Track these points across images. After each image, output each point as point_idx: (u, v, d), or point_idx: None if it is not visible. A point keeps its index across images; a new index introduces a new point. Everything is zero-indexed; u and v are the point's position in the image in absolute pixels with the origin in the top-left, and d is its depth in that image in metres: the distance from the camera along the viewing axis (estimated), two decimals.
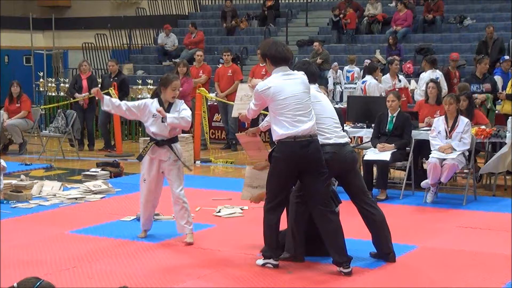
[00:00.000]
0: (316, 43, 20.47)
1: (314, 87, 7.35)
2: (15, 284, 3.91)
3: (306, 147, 6.85)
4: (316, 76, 7.62)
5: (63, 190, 11.20)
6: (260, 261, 7.21)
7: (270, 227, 7.10)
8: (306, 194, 7.06)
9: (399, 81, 16.05)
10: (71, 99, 16.77)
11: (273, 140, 7.14)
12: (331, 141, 7.14)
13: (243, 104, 7.86)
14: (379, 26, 22.31)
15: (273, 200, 7.07)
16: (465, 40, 20.93)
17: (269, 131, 14.72)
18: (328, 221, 6.97)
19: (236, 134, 8.94)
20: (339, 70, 19.47)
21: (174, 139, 8.17)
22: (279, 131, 6.90)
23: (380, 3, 22.76)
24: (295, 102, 6.87)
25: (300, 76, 7.08)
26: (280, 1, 24.73)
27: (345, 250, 6.95)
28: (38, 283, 3.89)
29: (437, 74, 15.15)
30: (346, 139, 7.38)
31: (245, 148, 8.34)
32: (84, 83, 16.63)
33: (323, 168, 6.94)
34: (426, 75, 14.95)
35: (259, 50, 7.35)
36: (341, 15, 22.13)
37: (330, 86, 18.75)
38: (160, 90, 8.19)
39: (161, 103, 8.09)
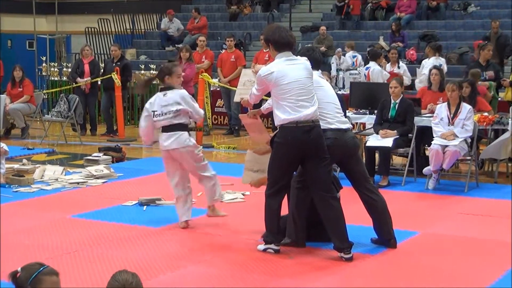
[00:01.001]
0: (322, 28, 20.42)
1: (317, 73, 7.35)
2: (18, 269, 3.93)
3: (308, 133, 6.85)
4: (320, 63, 7.61)
5: (65, 175, 11.21)
6: (262, 246, 7.22)
7: (271, 213, 7.11)
8: (308, 180, 7.06)
9: (398, 68, 16.05)
10: (73, 83, 16.76)
11: (275, 125, 7.13)
12: (332, 126, 7.14)
13: (246, 89, 7.88)
14: (382, 12, 22.24)
15: (274, 186, 7.07)
16: (469, 27, 20.86)
17: (271, 116, 14.68)
18: (329, 207, 6.97)
19: (239, 115, 8.96)
20: (342, 56, 19.42)
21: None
22: (282, 116, 6.89)
23: None
24: (298, 87, 6.87)
25: (303, 62, 7.07)
26: None
27: (347, 236, 6.95)
28: (41, 269, 3.91)
29: (441, 61, 15.11)
30: (348, 125, 7.38)
31: (248, 130, 8.36)
32: (86, 67, 16.61)
33: (325, 154, 6.94)
34: (430, 62, 14.90)
35: (263, 35, 7.34)
36: (346, 1, 22.04)
37: (333, 72, 18.69)
38: (164, 80, 8.21)
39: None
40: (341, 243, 6.93)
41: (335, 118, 7.22)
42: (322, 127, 7.01)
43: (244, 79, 7.53)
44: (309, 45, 7.54)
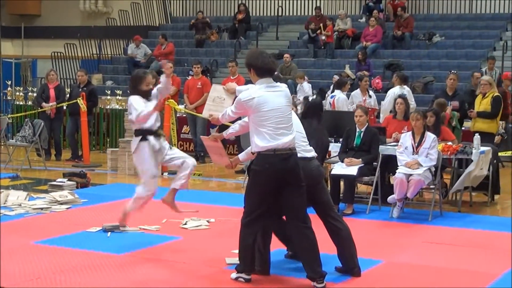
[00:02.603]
0: (286, 55, 20.52)
1: (260, 83, 7.22)
2: None
3: (286, 160, 6.85)
4: (268, 68, 7.38)
5: (28, 200, 11.10)
6: (234, 275, 7.17)
7: (245, 244, 7.04)
8: (283, 208, 7.05)
9: (369, 96, 16.18)
10: (39, 108, 16.66)
11: (252, 151, 7.11)
12: (297, 155, 7.16)
13: (215, 106, 7.80)
14: (349, 41, 22.43)
15: (251, 214, 7.02)
16: (434, 57, 21.12)
17: (237, 142, 14.66)
18: (304, 236, 6.95)
19: (201, 136, 9.00)
20: (305, 83, 19.49)
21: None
22: (260, 143, 6.87)
23: (350, 18, 22.90)
24: (277, 115, 6.86)
25: (284, 89, 7.07)
26: (251, 15, 24.79)
27: (320, 265, 6.93)
28: None
29: (405, 90, 15.24)
30: (313, 153, 7.40)
31: (208, 151, 8.34)
32: (52, 92, 16.53)
33: (301, 182, 6.94)
34: (394, 91, 15.03)
35: (245, 60, 7.29)
36: (318, 29, 22.14)
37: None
38: (135, 90, 8.60)
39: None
40: (314, 273, 6.90)
41: (300, 147, 7.23)
42: None
43: (214, 95, 7.46)
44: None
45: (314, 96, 7.96)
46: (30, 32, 27.71)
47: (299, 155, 7.11)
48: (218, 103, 7.77)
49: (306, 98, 8.02)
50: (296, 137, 7.17)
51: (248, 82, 15.84)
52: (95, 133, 18.35)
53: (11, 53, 27.46)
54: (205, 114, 7.84)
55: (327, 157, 12.60)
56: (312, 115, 8.70)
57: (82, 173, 13.14)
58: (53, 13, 29.30)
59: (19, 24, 27.71)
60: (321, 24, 22.26)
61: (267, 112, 6.85)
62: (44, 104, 16.43)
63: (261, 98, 6.88)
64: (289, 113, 6.97)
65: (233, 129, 7.58)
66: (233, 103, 7.36)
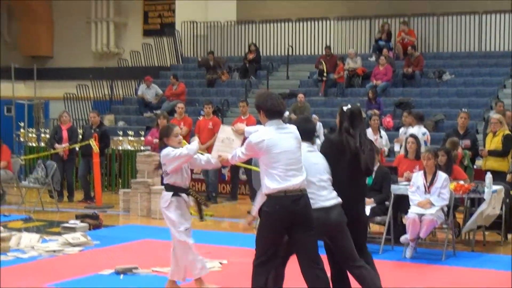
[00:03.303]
0: (300, 95, 20.58)
1: (306, 145, 7.28)
2: None
3: (297, 202, 6.84)
4: (313, 135, 7.58)
5: (41, 242, 11.13)
6: None
7: (257, 287, 7.02)
8: (295, 249, 7.04)
9: (381, 136, 16.18)
10: (51, 150, 16.76)
11: (263, 193, 7.10)
12: (316, 206, 7.06)
13: (224, 147, 7.80)
14: (359, 80, 22.50)
15: (262, 255, 7.01)
16: (444, 95, 21.14)
17: (249, 183, 14.63)
18: (316, 278, 6.92)
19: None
20: (318, 123, 19.55)
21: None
22: (270, 185, 6.88)
23: (360, 57, 23.00)
24: (287, 157, 6.88)
25: (293, 131, 7.10)
26: (261, 54, 24.94)
27: None
28: None
29: (424, 129, 15.23)
30: (333, 201, 7.18)
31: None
32: (64, 134, 16.63)
33: (312, 223, 6.93)
34: (412, 131, 14.98)
35: (254, 102, 7.33)
36: (325, 69, 22.24)
37: None
38: (164, 143, 8.28)
39: None
40: None
41: (320, 197, 7.12)
42: None
43: (223, 136, 7.48)
44: (304, 115, 7.51)
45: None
46: (42, 74, 27.91)
47: (316, 205, 7.05)
48: (227, 144, 7.78)
49: (341, 108, 7.82)
50: (313, 188, 7.13)
51: (259, 122, 15.86)
52: (107, 174, 18.40)
53: (24, 95, 27.63)
54: (214, 155, 7.86)
55: None
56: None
57: (94, 214, 13.17)
58: (65, 55, 29.57)
59: (31, 65, 27.90)
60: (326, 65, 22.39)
61: (277, 154, 6.87)
62: (57, 145, 16.52)
63: (271, 140, 6.91)
64: (299, 154, 6.99)
65: (239, 157, 7.31)
66: (242, 144, 7.38)
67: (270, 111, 7.05)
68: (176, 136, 8.24)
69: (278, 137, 6.93)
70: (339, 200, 7.20)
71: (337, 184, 7.24)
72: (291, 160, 6.89)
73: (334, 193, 7.21)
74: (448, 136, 14.16)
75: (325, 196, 7.18)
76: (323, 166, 7.28)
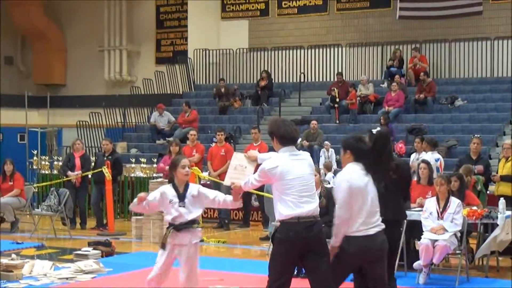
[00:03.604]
0: (313, 122, 20.61)
1: (359, 168, 7.09)
2: None
3: (310, 228, 6.84)
4: (366, 155, 7.29)
5: (54, 270, 11.14)
6: None
7: None
8: (308, 276, 7.01)
9: None
10: (64, 177, 16.81)
11: (276, 219, 7.09)
12: (362, 234, 6.95)
13: (237, 174, 7.78)
14: (371, 106, 22.51)
15: (275, 282, 6.97)
16: (457, 121, 21.11)
17: (262, 210, 14.62)
18: None
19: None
20: (331, 149, 19.58)
21: (193, 221, 7.92)
22: (284, 211, 6.87)
23: (372, 83, 23.02)
24: (301, 183, 6.88)
25: (307, 157, 7.11)
26: (273, 81, 25.00)
27: None
28: None
29: (437, 155, 15.20)
30: (376, 229, 7.02)
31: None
32: (77, 161, 16.70)
33: (326, 250, 6.92)
34: (426, 156, 14.94)
35: (268, 128, 7.34)
36: (337, 95, 22.25)
37: (322, 165, 18.78)
38: (172, 175, 8.05)
39: (175, 188, 7.93)
40: None
41: (366, 225, 6.98)
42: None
43: (235, 163, 7.47)
44: (357, 134, 7.46)
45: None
46: (55, 102, 28.07)
47: (361, 233, 6.96)
48: (239, 171, 7.76)
49: (370, 131, 7.82)
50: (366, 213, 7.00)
51: (271, 148, 15.84)
52: (119, 201, 18.43)
53: (37, 123, 27.76)
54: (227, 182, 7.83)
55: None
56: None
57: (107, 241, 13.17)
58: (78, 83, 29.72)
59: (44, 93, 28.09)
60: (338, 91, 22.41)
61: (291, 180, 6.87)
62: (69, 173, 16.59)
63: (285, 167, 6.91)
64: (312, 181, 6.98)
65: (252, 183, 7.30)
66: (254, 171, 7.38)
67: (284, 137, 7.07)
68: (184, 168, 8.05)
69: (291, 163, 6.94)
70: (383, 226, 7.11)
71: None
72: (304, 186, 6.89)
73: (380, 219, 7.11)
74: (461, 162, 14.13)
75: (374, 223, 7.04)
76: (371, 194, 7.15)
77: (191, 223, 7.85)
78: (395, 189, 7.75)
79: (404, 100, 21.77)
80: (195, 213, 7.89)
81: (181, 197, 7.83)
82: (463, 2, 22.82)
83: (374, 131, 7.73)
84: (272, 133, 7.14)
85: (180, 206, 7.81)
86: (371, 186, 7.02)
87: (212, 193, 7.95)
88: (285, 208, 6.87)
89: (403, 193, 8.08)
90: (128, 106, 25.82)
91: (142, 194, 7.91)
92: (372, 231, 6.95)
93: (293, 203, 6.84)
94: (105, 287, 10.15)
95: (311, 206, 6.87)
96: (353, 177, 6.95)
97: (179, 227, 7.79)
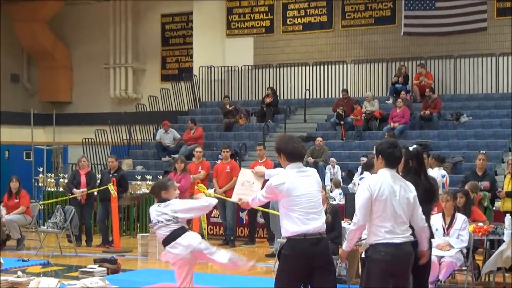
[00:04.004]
0: (319, 139, 20.62)
1: (390, 174, 7.04)
2: None
3: (316, 245, 6.82)
4: (399, 161, 7.27)
5: (60, 287, 11.11)
6: None
7: None
8: None
9: None
10: (69, 194, 16.83)
11: (282, 236, 7.08)
12: (389, 241, 6.86)
13: (245, 190, 7.79)
14: (376, 122, 22.52)
15: None
16: (462, 137, 21.10)
17: (267, 227, 14.61)
18: None
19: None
20: (336, 166, 19.58)
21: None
22: (290, 228, 6.86)
23: (377, 100, 23.04)
24: (308, 200, 6.87)
25: (314, 174, 7.11)
26: (278, 98, 25.03)
27: None
28: None
29: (443, 172, 15.16)
30: (403, 239, 6.91)
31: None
32: (83, 178, 16.72)
33: (332, 266, 6.91)
34: (433, 173, 14.89)
35: (275, 145, 7.35)
36: (343, 112, 22.26)
37: (327, 181, 18.79)
38: (161, 196, 8.26)
39: None
40: None
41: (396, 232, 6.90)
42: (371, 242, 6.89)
43: (243, 179, 7.49)
44: (390, 139, 7.44)
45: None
46: (61, 119, 28.15)
47: (386, 241, 6.84)
48: (247, 187, 7.77)
49: (406, 148, 7.84)
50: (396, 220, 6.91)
51: (277, 165, 15.84)
52: (125, 218, 18.42)
53: (43, 140, 27.84)
54: (234, 198, 7.84)
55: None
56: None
57: (112, 259, 13.16)
58: (84, 100, 29.84)
59: (50, 111, 28.17)
60: (344, 107, 22.44)
61: (297, 197, 6.86)
62: (75, 190, 16.61)
63: (292, 183, 6.90)
64: (319, 198, 6.97)
65: (259, 200, 7.32)
66: (262, 187, 7.38)
67: (292, 154, 7.07)
68: (175, 189, 8.21)
69: (298, 180, 6.93)
70: (412, 238, 7.02)
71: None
72: (311, 203, 6.88)
73: (410, 231, 7.03)
74: (466, 178, 14.12)
75: (401, 233, 6.94)
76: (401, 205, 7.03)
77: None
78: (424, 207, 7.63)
79: (409, 116, 21.77)
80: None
81: None
82: (468, 18, 22.87)
83: (410, 148, 7.75)
84: (280, 149, 7.15)
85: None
86: (400, 195, 6.89)
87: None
88: (291, 225, 6.85)
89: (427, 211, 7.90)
90: (133, 123, 25.88)
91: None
92: (398, 240, 6.83)
93: (299, 220, 6.83)
94: None
95: (317, 223, 6.86)
96: (376, 184, 6.86)
97: None
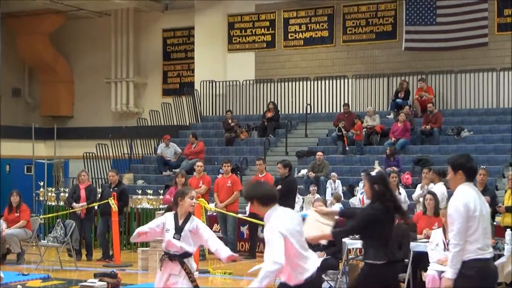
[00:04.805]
0: (319, 153, 20.62)
1: (471, 188, 6.92)
2: None
3: None
4: (476, 173, 7.20)
5: None
6: None
7: None
8: None
9: (399, 193, 16.12)
10: (69, 208, 16.84)
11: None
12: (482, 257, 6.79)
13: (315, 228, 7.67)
14: (377, 137, 22.53)
15: None
16: (463, 152, 20.98)
17: None
18: None
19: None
20: (337, 180, 19.58)
21: (187, 254, 8.00)
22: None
23: (378, 115, 23.05)
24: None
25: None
26: (280, 113, 25.06)
27: None
28: None
29: (444, 188, 15.12)
30: (490, 254, 6.90)
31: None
32: (82, 193, 16.73)
33: None
34: (440, 189, 14.88)
35: (244, 193, 7.10)
36: (343, 127, 22.28)
37: (328, 196, 18.79)
38: (177, 202, 8.09)
39: (175, 217, 8.05)
40: None
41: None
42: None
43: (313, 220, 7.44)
44: (462, 153, 7.31)
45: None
46: (62, 133, 28.19)
47: (479, 256, 6.72)
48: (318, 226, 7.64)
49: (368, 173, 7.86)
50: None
51: (277, 180, 15.90)
52: (126, 232, 18.41)
53: (44, 154, 27.86)
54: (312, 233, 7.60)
55: (358, 254, 12.54)
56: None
57: (113, 273, 13.14)
58: (85, 115, 29.88)
59: (51, 125, 28.21)
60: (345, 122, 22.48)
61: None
62: (74, 204, 16.61)
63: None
64: None
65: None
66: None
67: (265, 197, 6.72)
68: (192, 198, 8.09)
69: None
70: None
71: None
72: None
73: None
74: None
75: (488, 247, 6.93)
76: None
77: (184, 256, 7.93)
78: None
79: (410, 131, 21.78)
80: (188, 247, 7.97)
81: (179, 229, 7.89)
82: (469, 33, 22.93)
83: (373, 173, 7.73)
84: (253, 196, 6.78)
85: (174, 238, 7.85)
86: (484, 208, 6.84)
87: (207, 234, 7.98)
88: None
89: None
90: (134, 137, 25.90)
91: (141, 229, 8.02)
92: (489, 256, 6.79)
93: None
94: None
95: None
96: (470, 200, 6.73)
97: (172, 256, 7.91)
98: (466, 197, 6.74)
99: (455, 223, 6.72)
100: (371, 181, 7.58)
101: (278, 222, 6.50)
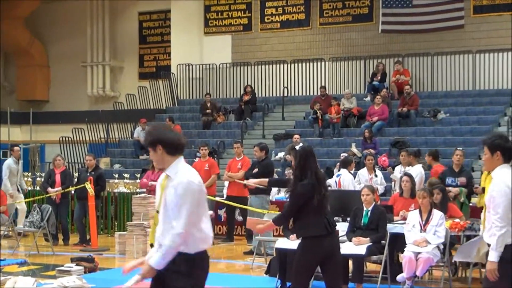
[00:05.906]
0: (296, 136, 20.60)
1: (509, 170, 6.66)
2: None
3: None
4: None
5: (36, 286, 11.04)
6: None
7: None
8: None
9: (376, 175, 16.19)
10: (45, 193, 16.75)
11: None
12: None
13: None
14: (354, 120, 22.57)
15: None
16: (439, 134, 21.20)
17: (245, 224, 14.56)
18: None
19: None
20: None
21: None
22: None
23: (355, 97, 23.09)
24: None
25: None
26: (257, 96, 25.04)
27: None
28: None
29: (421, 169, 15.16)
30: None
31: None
32: (57, 177, 16.62)
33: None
34: (413, 170, 14.90)
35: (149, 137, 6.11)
36: (320, 110, 22.29)
37: None
38: None
39: None
40: None
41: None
42: None
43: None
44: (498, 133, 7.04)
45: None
46: (38, 118, 28.03)
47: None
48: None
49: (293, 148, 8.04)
50: None
51: (254, 163, 15.91)
52: (103, 216, 18.34)
53: (20, 139, 27.70)
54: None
55: None
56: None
57: (90, 257, 13.10)
58: (61, 99, 29.71)
59: (27, 109, 28.04)
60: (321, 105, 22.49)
61: None
62: (49, 189, 16.50)
63: None
64: None
65: None
66: None
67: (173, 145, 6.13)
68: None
69: None
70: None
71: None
72: None
73: None
74: (443, 174, 14.14)
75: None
76: None
77: None
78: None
79: (387, 114, 21.83)
80: None
81: None
82: (445, 16, 22.99)
83: (297, 147, 7.83)
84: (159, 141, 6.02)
85: None
86: None
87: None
88: None
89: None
90: (111, 121, 25.78)
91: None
92: None
93: None
94: None
95: None
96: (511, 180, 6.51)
97: None
98: (509, 180, 6.52)
99: (500, 206, 6.46)
100: (295, 155, 7.76)
101: (189, 175, 6.02)
